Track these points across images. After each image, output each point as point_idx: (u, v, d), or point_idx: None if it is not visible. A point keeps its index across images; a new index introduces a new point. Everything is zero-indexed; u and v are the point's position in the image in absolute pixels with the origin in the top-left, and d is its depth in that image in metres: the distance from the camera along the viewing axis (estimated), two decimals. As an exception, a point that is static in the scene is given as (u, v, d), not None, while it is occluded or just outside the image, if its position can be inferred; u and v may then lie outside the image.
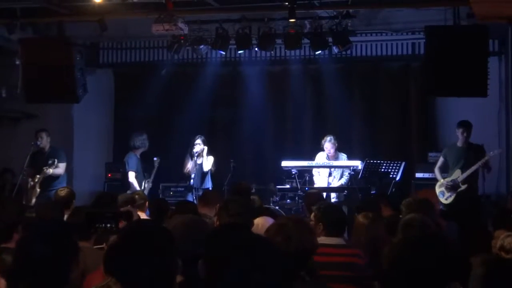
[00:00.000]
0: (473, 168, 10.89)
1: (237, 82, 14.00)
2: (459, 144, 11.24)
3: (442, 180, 11.19)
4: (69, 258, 3.21)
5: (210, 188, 11.98)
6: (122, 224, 4.28)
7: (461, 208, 10.46)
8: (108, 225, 3.95)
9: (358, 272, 5.23)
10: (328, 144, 11.92)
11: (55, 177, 11.57)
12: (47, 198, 10.95)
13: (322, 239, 5.27)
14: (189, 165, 12.12)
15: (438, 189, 11.15)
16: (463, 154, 11.11)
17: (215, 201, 7.58)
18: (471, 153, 11.08)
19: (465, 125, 11.23)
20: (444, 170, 11.39)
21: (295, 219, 4.58)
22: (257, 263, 2.18)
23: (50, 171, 11.41)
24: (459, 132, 11.22)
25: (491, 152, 11.00)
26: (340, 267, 5.15)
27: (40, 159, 11.66)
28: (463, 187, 10.92)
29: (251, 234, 2.92)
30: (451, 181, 11.05)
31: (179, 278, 3.30)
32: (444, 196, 10.99)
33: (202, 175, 12.14)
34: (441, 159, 11.43)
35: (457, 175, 11.03)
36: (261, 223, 6.01)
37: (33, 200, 11.18)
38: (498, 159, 12.26)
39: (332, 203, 6.31)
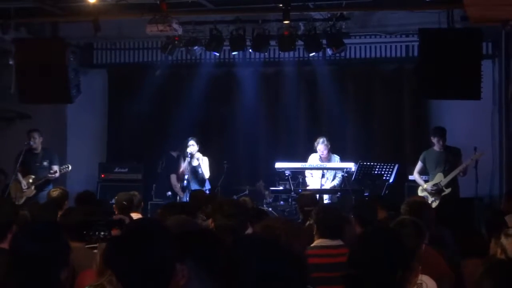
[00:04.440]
0: (456, 171, 10.91)
1: (231, 84, 13.98)
2: (437, 148, 11.25)
3: (424, 185, 11.18)
4: (60, 259, 3.21)
5: (207, 191, 11.96)
6: (115, 232, 4.28)
7: (450, 212, 10.46)
8: (102, 233, 3.95)
9: None
10: (321, 146, 11.90)
11: (50, 179, 11.55)
12: (40, 198, 10.94)
13: (317, 242, 5.26)
14: (183, 167, 12.12)
15: (420, 194, 11.07)
16: (443, 158, 11.13)
17: (201, 202, 7.63)
18: (451, 156, 11.10)
19: (439, 133, 11.25)
20: (422, 174, 11.42)
21: (283, 219, 4.58)
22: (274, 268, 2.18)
23: (56, 175, 11.46)
24: (434, 140, 11.23)
25: (472, 156, 11.01)
26: (334, 267, 5.13)
27: (33, 160, 11.64)
28: (447, 190, 10.92)
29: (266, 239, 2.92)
30: (434, 185, 11.04)
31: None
32: (428, 201, 10.83)
33: (196, 176, 12.12)
34: (419, 164, 11.40)
35: (440, 179, 11.01)
36: None
37: (23, 200, 11.16)
38: (491, 162, 12.30)
39: (329, 206, 6.33)
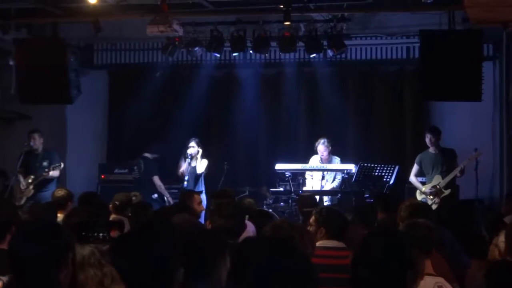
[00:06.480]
0: (455, 172, 10.87)
1: (231, 85, 13.97)
2: (432, 150, 11.21)
3: (423, 188, 11.13)
4: (58, 258, 3.19)
5: (204, 191, 11.93)
6: (114, 233, 4.27)
7: (451, 214, 10.41)
8: (101, 234, 3.94)
9: None
10: (321, 147, 11.90)
11: (50, 179, 11.53)
12: (40, 199, 10.94)
13: (322, 243, 5.25)
14: (183, 167, 12.09)
15: (419, 197, 11.03)
16: (439, 160, 11.09)
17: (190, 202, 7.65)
18: (446, 158, 11.07)
19: (432, 132, 11.22)
20: (418, 176, 11.37)
21: (290, 221, 4.57)
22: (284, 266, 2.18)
23: (50, 173, 11.41)
24: (427, 139, 11.19)
25: (470, 156, 10.96)
26: (340, 269, 5.10)
27: (33, 160, 11.63)
28: (446, 192, 10.88)
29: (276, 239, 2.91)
30: (432, 187, 11.01)
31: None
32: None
33: (196, 177, 12.11)
34: (415, 167, 11.34)
35: (438, 180, 10.97)
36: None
37: (23, 200, 11.15)
38: (492, 164, 12.28)
39: (333, 207, 6.33)
